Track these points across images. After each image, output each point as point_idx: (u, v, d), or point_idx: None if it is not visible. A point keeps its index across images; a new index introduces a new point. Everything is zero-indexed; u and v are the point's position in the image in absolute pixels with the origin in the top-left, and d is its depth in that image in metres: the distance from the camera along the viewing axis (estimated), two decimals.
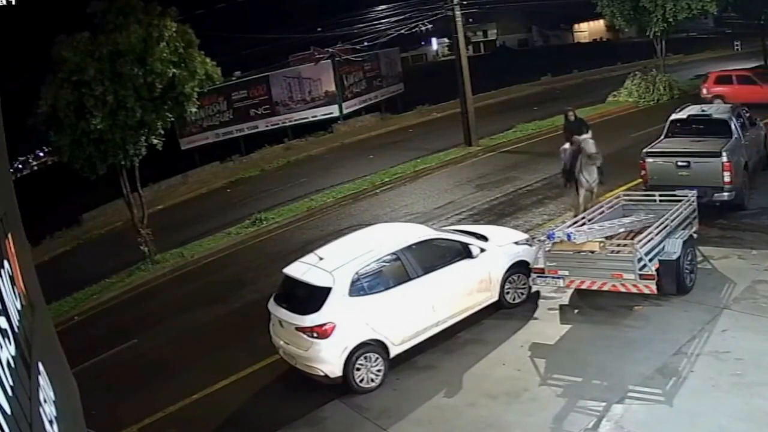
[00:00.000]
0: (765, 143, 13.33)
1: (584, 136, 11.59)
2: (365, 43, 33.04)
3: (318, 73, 32.04)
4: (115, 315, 13.71)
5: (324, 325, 7.70)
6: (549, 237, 8.68)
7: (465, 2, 22.50)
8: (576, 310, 8.95)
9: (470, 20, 48.89)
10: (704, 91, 22.12)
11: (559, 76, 38.00)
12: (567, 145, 12.16)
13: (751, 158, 12.10)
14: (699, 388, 6.63)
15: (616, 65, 37.17)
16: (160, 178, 25.54)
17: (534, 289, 9.33)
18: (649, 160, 11.71)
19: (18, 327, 2.92)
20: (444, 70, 33.84)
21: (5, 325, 2.67)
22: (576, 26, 73.00)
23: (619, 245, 8.57)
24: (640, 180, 12.16)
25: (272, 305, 8.54)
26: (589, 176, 11.56)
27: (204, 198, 24.23)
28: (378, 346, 8.00)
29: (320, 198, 18.62)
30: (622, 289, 8.21)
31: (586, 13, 39.35)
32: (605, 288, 8.36)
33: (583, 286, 8.54)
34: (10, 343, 2.66)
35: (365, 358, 7.90)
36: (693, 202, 9.68)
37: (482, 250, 8.94)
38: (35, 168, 59.89)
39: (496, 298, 9.09)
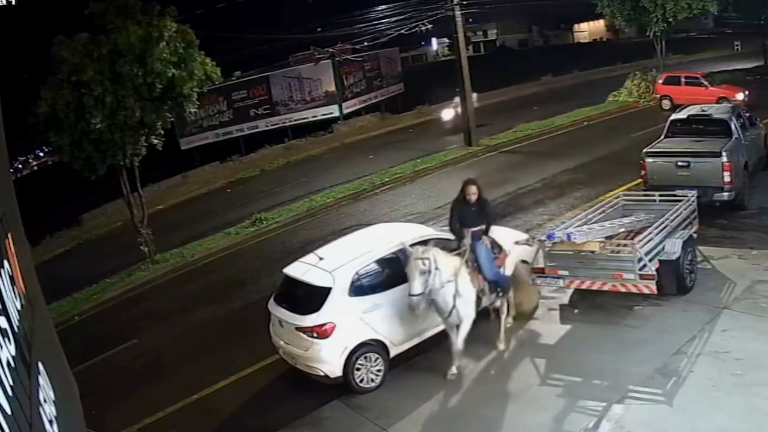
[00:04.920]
0: (765, 143, 13.34)
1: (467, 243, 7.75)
2: (365, 43, 33.07)
3: (318, 73, 32.05)
4: (115, 315, 13.70)
5: (324, 325, 7.69)
6: (549, 237, 8.66)
7: (465, 2, 22.52)
8: (576, 310, 8.94)
9: (470, 20, 48.75)
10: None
11: (559, 76, 38.02)
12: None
13: (751, 158, 12.11)
14: (699, 388, 6.62)
15: (616, 65, 37.18)
16: (160, 178, 25.55)
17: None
18: (649, 160, 11.72)
19: (18, 327, 2.92)
20: (444, 70, 33.85)
21: (5, 325, 2.67)
22: (576, 26, 73.00)
23: (619, 245, 8.56)
24: (640, 180, 12.18)
25: (272, 305, 8.53)
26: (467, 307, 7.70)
27: (204, 198, 24.22)
28: (378, 346, 8.00)
29: (320, 198, 18.62)
30: (622, 289, 8.20)
31: (586, 13, 39.44)
32: (605, 288, 8.35)
33: (583, 286, 8.52)
34: (10, 343, 2.66)
35: (365, 358, 7.89)
36: (693, 202, 9.67)
37: None
38: (35, 168, 59.75)
39: None
